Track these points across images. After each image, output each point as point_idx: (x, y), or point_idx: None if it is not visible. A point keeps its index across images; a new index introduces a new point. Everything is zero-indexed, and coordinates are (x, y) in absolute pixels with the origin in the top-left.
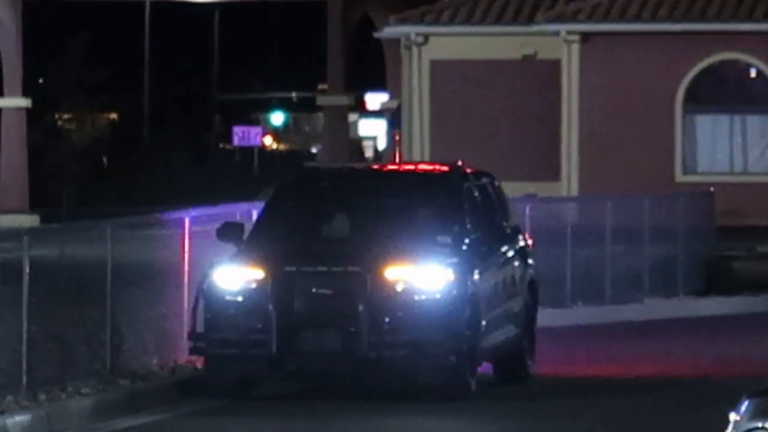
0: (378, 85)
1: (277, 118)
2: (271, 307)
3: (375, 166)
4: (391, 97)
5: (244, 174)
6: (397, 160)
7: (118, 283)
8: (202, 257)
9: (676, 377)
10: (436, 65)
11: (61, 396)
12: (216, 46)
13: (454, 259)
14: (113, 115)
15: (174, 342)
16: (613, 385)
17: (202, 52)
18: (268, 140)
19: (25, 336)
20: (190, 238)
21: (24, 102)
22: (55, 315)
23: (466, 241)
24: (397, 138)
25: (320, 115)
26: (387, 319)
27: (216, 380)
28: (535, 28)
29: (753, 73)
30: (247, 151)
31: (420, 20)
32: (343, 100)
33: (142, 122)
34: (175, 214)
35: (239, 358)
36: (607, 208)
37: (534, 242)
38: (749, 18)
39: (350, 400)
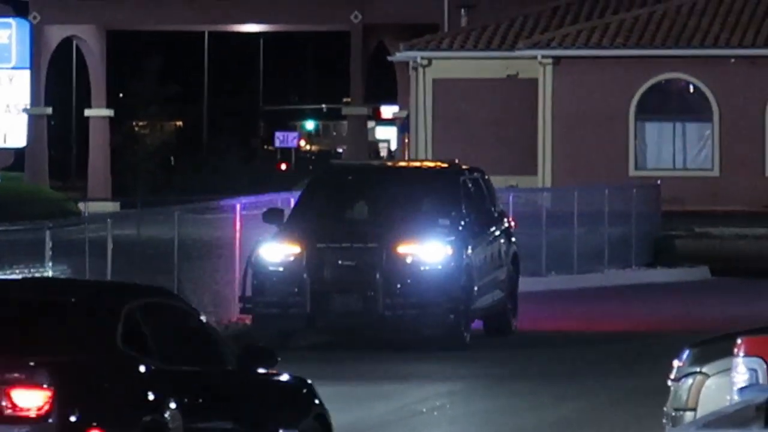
0: (391, 99)
1: (310, 124)
2: (305, 275)
3: (389, 164)
4: (401, 108)
5: (284, 169)
6: (406, 158)
7: (183, 257)
8: (250, 236)
9: (631, 332)
10: (437, 83)
11: None
12: (261, 67)
13: (452, 238)
14: (179, 123)
15: (228, 303)
16: (581, 338)
17: (250, 72)
18: (303, 143)
19: None
20: (240, 220)
21: (107, 112)
22: (132, 281)
23: (462, 223)
24: (406, 141)
25: (344, 122)
26: (399, 285)
27: (261, 334)
28: (517, 53)
29: (691, 89)
30: (286, 151)
31: (425, 47)
32: (363, 110)
33: (201, 128)
34: (229, 202)
35: (280, 316)
36: (574, 197)
37: (516, 224)
38: (688, 45)
39: (369, 349)
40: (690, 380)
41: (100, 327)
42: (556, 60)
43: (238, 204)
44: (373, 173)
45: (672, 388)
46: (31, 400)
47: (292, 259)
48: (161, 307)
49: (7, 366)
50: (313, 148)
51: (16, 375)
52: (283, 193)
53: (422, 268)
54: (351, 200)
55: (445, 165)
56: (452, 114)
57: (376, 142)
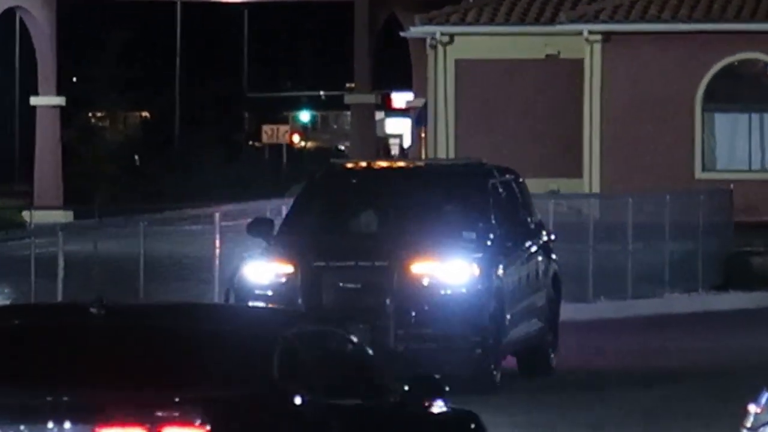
0: (404, 84)
1: (305, 115)
2: (300, 301)
3: (401, 164)
4: (417, 96)
5: (274, 171)
6: (423, 157)
7: (151, 277)
8: (232, 252)
9: (696, 370)
10: (461, 64)
11: None
12: (245, 46)
13: (479, 254)
14: (145, 113)
15: None
16: (635, 378)
17: (232, 52)
18: (296, 138)
19: None
20: (220, 233)
21: (58, 100)
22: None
23: (491, 236)
24: (423, 136)
25: (347, 113)
26: (413, 313)
27: None
28: (558, 28)
29: None
30: (276, 148)
31: (445, 20)
32: (370, 98)
33: (173, 120)
34: (206, 210)
35: None
36: (628, 205)
37: (557, 238)
38: (767, 18)
39: None
40: None
41: (255, 358)
42: (606, 36)
43: (218, 213)
44: (382, 175)
45: None
46: None
47: (283, 280)
48: (317, 334)
49: (157, 402)
50: (309, 144)
51: (167, 412)
52: (272, 200)
53: (442, 292)
54: (356, 209)
55: (471, 165)
56: (479, 102)
57: (386, 137)
